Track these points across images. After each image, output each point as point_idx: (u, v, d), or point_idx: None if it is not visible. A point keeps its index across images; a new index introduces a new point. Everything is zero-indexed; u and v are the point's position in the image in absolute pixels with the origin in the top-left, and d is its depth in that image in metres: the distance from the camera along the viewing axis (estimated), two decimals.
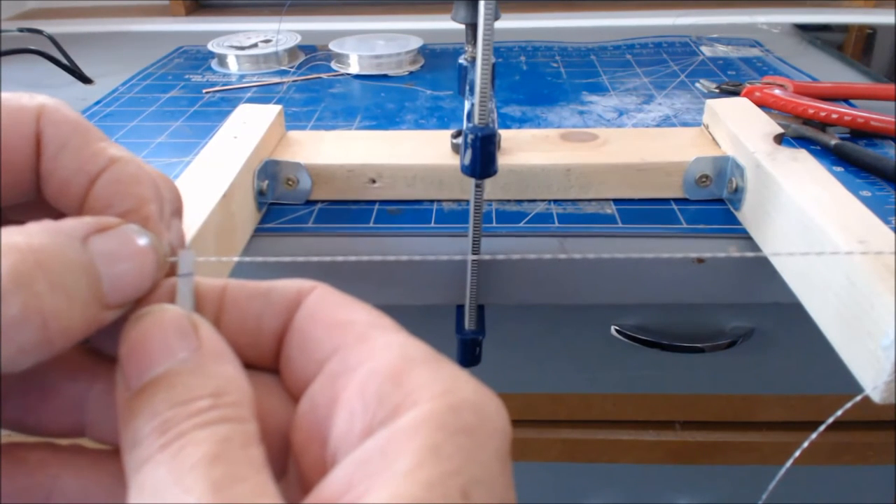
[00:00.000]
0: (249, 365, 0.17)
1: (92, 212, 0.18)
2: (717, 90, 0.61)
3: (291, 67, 0.71)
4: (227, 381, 0.15)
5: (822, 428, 0.23)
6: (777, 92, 0.54)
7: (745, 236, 0.39)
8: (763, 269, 0.37)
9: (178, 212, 0.21)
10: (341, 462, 0.13)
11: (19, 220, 0.16)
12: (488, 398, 0.14)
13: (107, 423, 0.17)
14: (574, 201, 0.43)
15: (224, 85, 0.66)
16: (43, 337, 0.14)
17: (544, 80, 0.66)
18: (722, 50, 0.74)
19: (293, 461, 0.16)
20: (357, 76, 0.68)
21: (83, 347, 0.18)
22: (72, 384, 0.17)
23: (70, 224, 0.16)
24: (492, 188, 0.42)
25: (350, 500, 0.12)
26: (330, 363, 0.16)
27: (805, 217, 0.32)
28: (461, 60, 0.41)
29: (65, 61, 0.69)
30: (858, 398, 0.24)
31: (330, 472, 0.13)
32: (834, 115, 0.50)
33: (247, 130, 0.41)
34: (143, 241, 0.17)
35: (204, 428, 0.13)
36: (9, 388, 0.17)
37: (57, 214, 0.18)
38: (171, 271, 0.21)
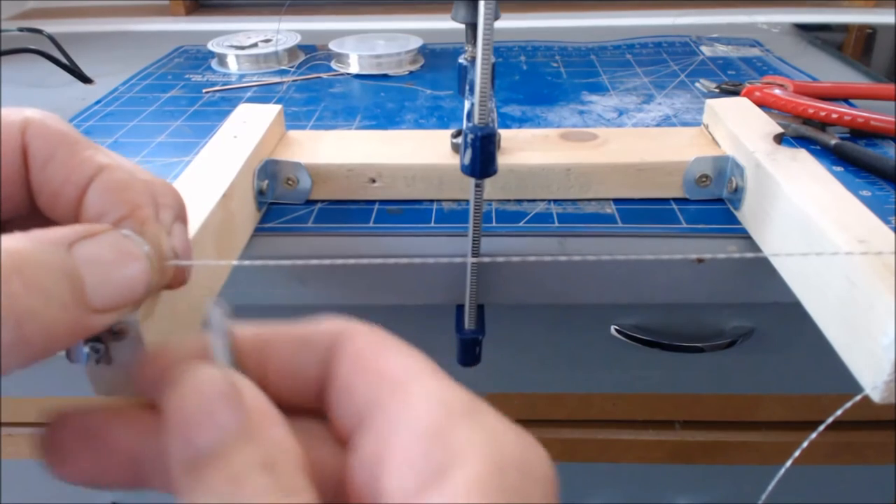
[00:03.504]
0: (292, 408, 0.17)
1: (87, 221, 0.18)
2: (717, 90, 0.61)
3: (291, 67, 0.71)
4: (277, 448, 0.15)
5: (822, 428, 0.23)
6: (777, 92, 0.54)
7: (744, 236, 0.39)
8: (763, 269, 0.37)
9: (181, 217, 0.21)
10: None
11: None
12: (530, 449, 0.15)
13: (167, 476, 0.17)
14: (574, 201, 0.43)
15: (224, 84, 0.66)
16: (17, 336, 0.14)
17: (544, 80, 0.66)
18: (722, 50, 0.74)
19: None
20: (357, 76, 0.68)
21: (138, 402, 0.18)
22: (127, 439, 0.17)
23: (56, 231, 0.16)
24: (492, 188, 0.42)
25: None
26: (372, 418, 0.16)
27: (805, 217, 0.32)
28: (461, 60, 0.41)
29: (65, 61, 0.69)
30: (858, 398, 0.24)
31: None
32: (834, 115, 0.50)
33: (247, 130, 0.41)
34: (131, 245, 0.17)
35: None
36: (66, 448, 0.17)
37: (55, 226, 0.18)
38: (179, 277, 0.20)
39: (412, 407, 0.15)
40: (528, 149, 0.43)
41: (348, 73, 0.69)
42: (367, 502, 0.15)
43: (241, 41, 0.73)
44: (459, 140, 0.42)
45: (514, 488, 0.13)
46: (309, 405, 0.18)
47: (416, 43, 0.71)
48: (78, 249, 0.16)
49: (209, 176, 0.36)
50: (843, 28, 0.84)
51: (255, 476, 0.14)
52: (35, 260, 0.15)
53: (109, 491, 0.18)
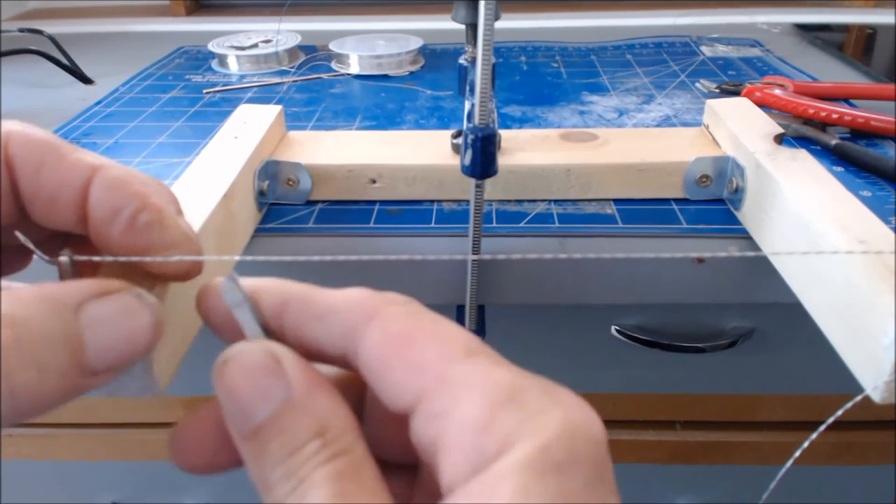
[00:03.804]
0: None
1: (98, 222, 0.18)
2: (717, 90, 0.61)
3: (292, 67, 0.71)
4: (325, 412, 0.16)
5: (822, 428, 0.23)
6: (777, 92, 0.54)
7: (745, 236, 0.39)
8: (763, 269, 0.37)
9: (179, 211, 0.21)
10: (446, 501, 0.15)
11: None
12: (580, 426, 0.15)
13: None
14: (574, 201, 0.43)
15: (224, 85, 0.66)
16: (11, 407, 0.15)
17: (544, 80, 0.66)
18: (722, 50, 0.74)
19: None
20: (357, 76, 0.68)
21: None
22: None
23: (67, 290, 0.16)
24: (492, 188, 0.42)
25: None
26: (419, 408, 0.16)
27: (805, 217, 0.32)
28: (461, 60, 0.41)
29: (65, 61, 0.69)
30: (858, 398, 0.24)
31: None
32: (834, 115, 0.50)
33: (247, 131, 0.41)
34: (139, 305, 0.17)
35: (320, 468, 0.15)
36: (192, 450, 0.18)
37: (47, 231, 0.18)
38: (196, 267, 0.20)
39: (455, 399, 0.15)
40: (528, 149, 0.43)
41: (349, 74, 0.69)
42: (432, 478, 0.16)
43: (241, 42, 0.73)
44: (460, 141, 0.42)
45: (556, 466, 0.14)
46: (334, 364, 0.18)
47: (416, 43, 0.71)
48: (86, 311, 0.16)
49: (210, 177, 0.36)
50: (844, 28, 0.84)
51: (310, 445, 0.15)
52: (36, 331, 0.15)
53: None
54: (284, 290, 0.18)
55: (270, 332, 0.18)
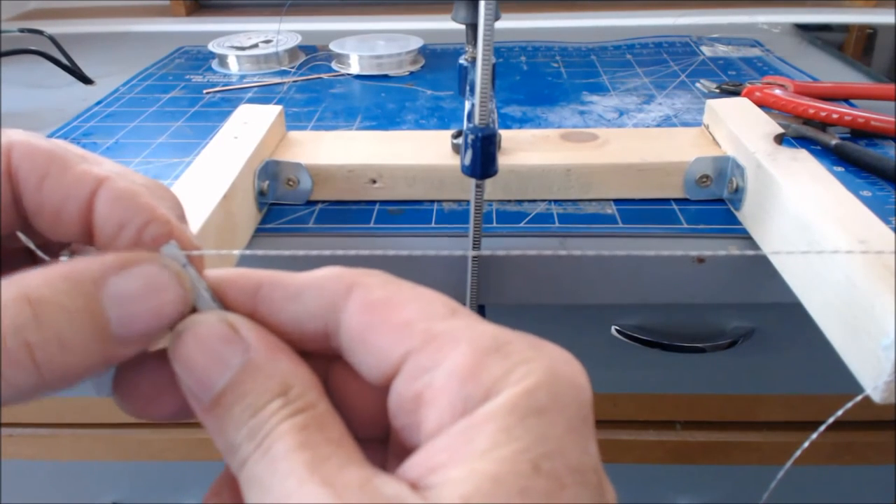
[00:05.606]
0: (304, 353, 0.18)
1: (105, 236, 0.18)
2: (717, 90, 0.61)
3: (292, 68, 0.71)
4: (286, 374, 0.16)
5: (822, 428, 0.23)
6: (777, 92, 0.54)
7: (745, 236, 0.39)
8: (763, 269, 0.37)
9: (181, 217, 0.21)
10: (427, 443, 0.15)
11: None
12: (564, 373, 0.15)
13: None
14: (574, 201, 0.43)
15: (225, 85, 0.66)
16: (38, 380, 0.15)
17: (544, 81, 0.66)
18: (722, 50, 0.74)
19: (393, 437, 0.17)
20: (357, 76, 0.68)
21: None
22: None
23: (87, 267, 0.16)
24: (492, 188, 0.42)
25: (433, 473, 0.14)
26: (405, 366, 0.16)
27: (805, 217, 0.32)
28: (461, 61, 0.41)
29: (65, 62, 0.69)
30: (858, 398, 0.24)
31: (416, 452, 0.15)
32: (834, 115, 0.50)
33: (247, 131, 0.41)
34: (164, 275, 0.17)
35: (283, 423, 0.15)
36: (133, 389, 0.18)
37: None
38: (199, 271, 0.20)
39: (442, 352, 0.16)
40: (528, 149, 0.43)
41: (349, 74, 0.69)
42: (408, 438, 0.16)
43: (241, 42, 0.73)
44: (460, 141, 0.42)
45: (539, 410, 0.14)
46: (318, 352, 0.18)
47: (416, 43, 0.71)
48: (108, 286, 0.16)
49: (210, 177, 0.36)
50: (844, 28, 0.84)
51: (272, 405, 0.15)
52: (56, 307, 0.15)
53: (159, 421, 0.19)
54: (254, 276, 0.18)
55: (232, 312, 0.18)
